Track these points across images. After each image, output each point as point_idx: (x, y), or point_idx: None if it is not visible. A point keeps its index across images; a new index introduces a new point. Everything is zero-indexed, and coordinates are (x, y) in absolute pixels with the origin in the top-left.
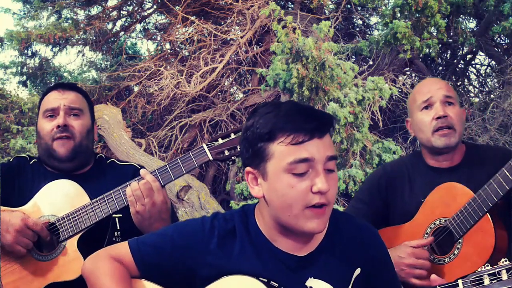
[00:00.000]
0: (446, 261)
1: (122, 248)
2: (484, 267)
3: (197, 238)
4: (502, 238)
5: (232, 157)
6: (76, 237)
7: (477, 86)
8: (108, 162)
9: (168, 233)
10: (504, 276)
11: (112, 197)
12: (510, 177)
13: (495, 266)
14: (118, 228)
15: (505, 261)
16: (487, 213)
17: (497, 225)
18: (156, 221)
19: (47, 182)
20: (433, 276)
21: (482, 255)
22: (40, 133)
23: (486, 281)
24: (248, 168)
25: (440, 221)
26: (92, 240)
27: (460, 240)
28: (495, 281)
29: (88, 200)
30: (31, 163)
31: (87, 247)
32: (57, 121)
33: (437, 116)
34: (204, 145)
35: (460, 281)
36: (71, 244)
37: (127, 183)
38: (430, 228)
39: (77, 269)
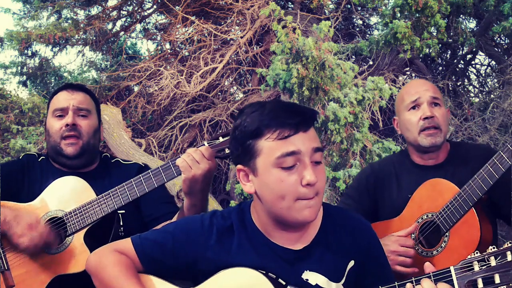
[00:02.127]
0: (433, 253)
1: (126, 244)
2: (474, 254)
3: (197, 234)
4: (487, 231)
5: None
6: (83, 231)
7: (477, 86)
8: (113, 161)
9: (169, 229)
10: (493, 262)
11: (117, 193)
12: (494, 172)
13: (484, 253)
14: (122, 224)
15: (493, 248)
16: (473, 207)
17: (482, 219)
18: (207, 185)
19: (55, 178)
20: (427, 264)
21: (469, 247)
22: (49, 131)
23: (476, 268)
24: (239, 166)
25: (427, 216)
26: (98, 234)
27: (447, 234)
28: (485, 267)
29: (94, 196)
30: (39, 160)
31: (93, 241)
32: (66, 120)
33: (424, 117)
34: (205, 142)
35: (452, 268)
36: (78, 238)
37: (132, 179)
38: (418, 222)
39: (84, 262)
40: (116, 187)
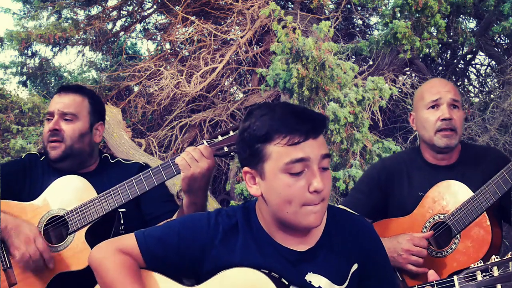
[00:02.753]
0: (443, 254)
1: (129, 240)
2: (477, 264)
3: (202, 232)
4: (497, 235)
5: (231, 153)
6: (84, 230)
7: (477, 86)
8: (113, 161)
9: (174, 226)
10: (495, 272)
11: (118, 191)
12: (509, 179)
13: (487, 263)
14: (122, 222)
15: (496, 258)
16: (485, 212)
17: (493, 223)
18: (206, 183)
19: (56, 177)
20: (431, 271)
21: (479, 250)
22: (43, 133)
23: (479, 277)
24: (245, 168)
25: (439, 216)
26: (99, 232)
27: (457, 236)
28: (487, 276)
29: (95, 195)
30: (41, 159)
31: (94, 239)
32: (49, 125)
33: (443, 118)
34: (204, 141)
35: (455, 277)
36: (79, 236)
37: (132, 177)
38: (429, 222)
39: (85, 260)
40: (117, 186)
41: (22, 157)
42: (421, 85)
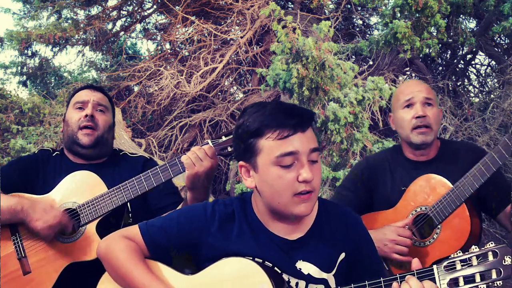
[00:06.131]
0: (426, 244)
1: (133, 230)
2: (457, 254)
3: (200, 220)
4: (476, 225)
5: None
6: (95, 222)
7: (477, 86)
8: (121, 154)
9: (174, 217)
10: (474, 262)
11: (127, 187)
12: (485, 171)
13: (466, 253)
14: (131, 214)
15: (475, 248)
16: (464, 203)
17: (472, 213)
18: (209, 181)
19: (69, 172)
20: (415, 260)
21: (459, 239)
22: (68, 121)
23: (458, 267)
24: (241, 162)
25: (421, 209)
26: (109, 224)
27: (439, 226)
28: (466, 266)
29: (105, 189)
30: (53, 155)
31: (104, 231)
32: (86, 112)
33: (416, 115)
34: (209, 141)
35: (435, 267)
36: (91, 228)
37: (141, 174)
38: (412, 214)
39: (96, 250)
40: (126, 181)
41: (35, 152)
42: (398, 87)
